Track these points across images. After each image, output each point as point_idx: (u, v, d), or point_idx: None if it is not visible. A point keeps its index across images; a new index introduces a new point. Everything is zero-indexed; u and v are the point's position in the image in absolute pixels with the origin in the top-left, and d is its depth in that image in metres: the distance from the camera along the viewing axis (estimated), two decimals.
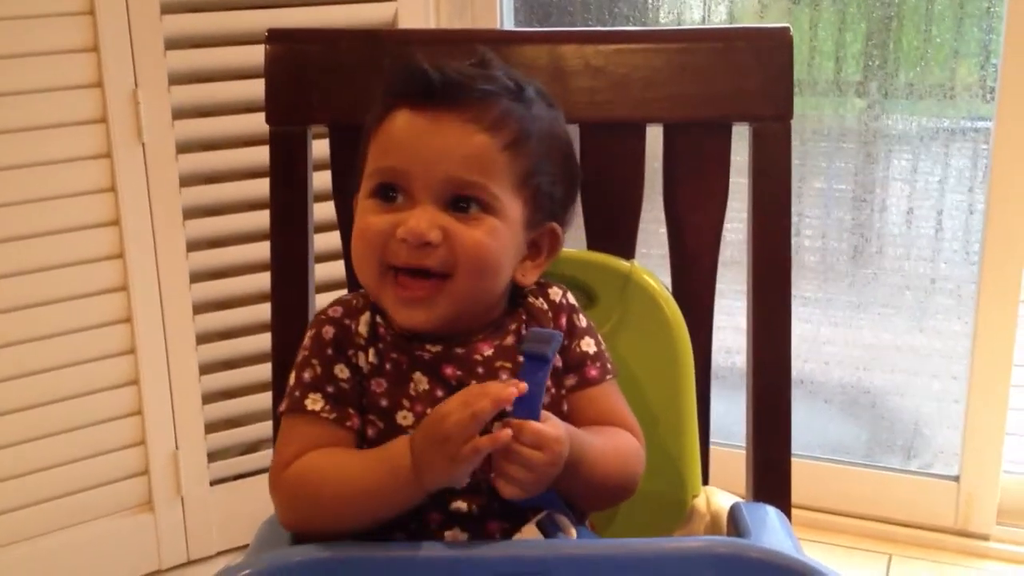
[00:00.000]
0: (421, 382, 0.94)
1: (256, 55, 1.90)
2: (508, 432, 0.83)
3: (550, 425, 0.86)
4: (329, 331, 0.95)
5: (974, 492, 2.07)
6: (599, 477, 0.93)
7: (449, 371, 0.94)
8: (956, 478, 2.09)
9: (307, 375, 0.94)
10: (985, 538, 2.07)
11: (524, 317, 0.98)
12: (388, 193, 0.92)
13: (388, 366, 0.94)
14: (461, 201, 0.91)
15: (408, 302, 0.91)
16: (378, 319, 0.96)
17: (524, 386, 0.84)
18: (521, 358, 0.90)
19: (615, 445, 0.96)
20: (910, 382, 2.20)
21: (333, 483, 0.89)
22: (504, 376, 0.94)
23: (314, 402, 0.93)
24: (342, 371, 0.94)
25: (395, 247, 0.90)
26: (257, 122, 1.92)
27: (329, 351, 0.94)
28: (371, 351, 0.94)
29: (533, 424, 0.84)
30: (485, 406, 0.82)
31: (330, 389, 0.93)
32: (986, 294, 2.00)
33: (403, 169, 0.91)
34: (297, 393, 0.94)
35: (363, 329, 0.95)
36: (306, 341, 0.96)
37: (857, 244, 2.18)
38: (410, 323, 0.93)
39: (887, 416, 2.22)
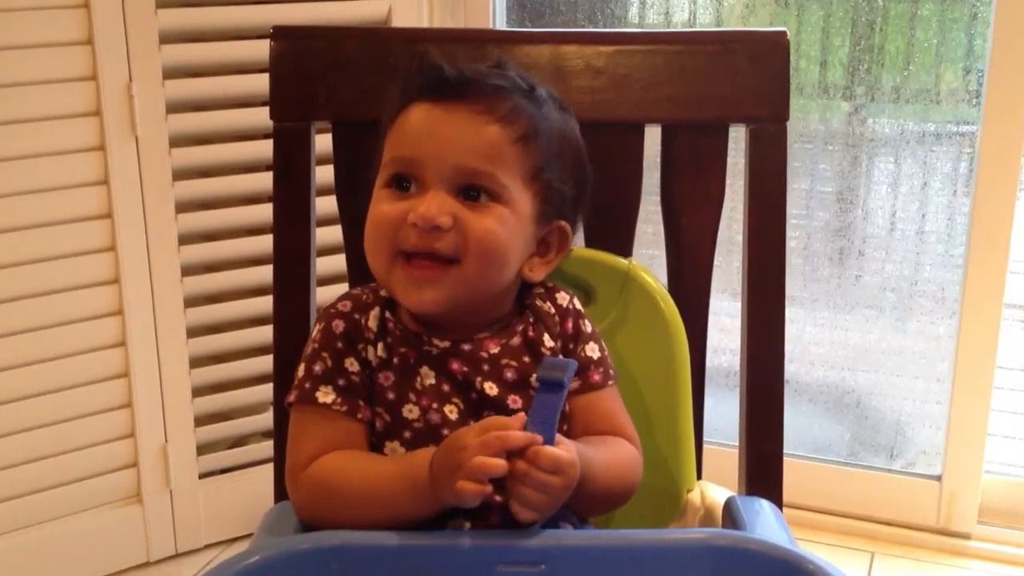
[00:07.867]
0: (428, 376, 0.95)
1: (250, 50, 1.94)
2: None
3: (564, 449, 0.87)
4: (339, 325, 0.96)
5: (956, 492, 2.09)
6: (601, 489, 0.94)
7: (455, 366, 0.95)
8: (938, 478, 2.12)
9: (317, 368, 0.95)
10: (966, 537, 2.10)
11: (531, 320, 1.00)
12: (402, 183, 0.94)
13: (396, 360, 0.96)
14: (471, 190, 0.92)
15: (417, 282, 0.92)
16: (387, 314, 0.98)
17: (539, 438, 0.85)
18: (535, 384, 0.91)
19: (617, 457, 0.98)
20: (894, 383, 2.22)
21: (353, 490, 0.91)
22: (509, 374, 0.96)
23: (325, 395, 0.94)
24: (352, 364, 0.95)
25: (406, 232, 0.92)
26: (250, 117, 1.96)
27: (339, 344, 0.95)
28: (380, 345, 0.96)
29: (550, 450, 0.85)
30: (499, 465, 0.83)
31: (341, 382, 0.94)
32: (970, 297, 2.02)
33: (415, 158, 0.93)
34: (307, 385, 0.95)
35: (372, 323, 0.97)
36: (315, 334, 0.97)
37: (842, 246, 2.20)
38: (418, 304, 0.94)
39: (871, 416, 2.24)
